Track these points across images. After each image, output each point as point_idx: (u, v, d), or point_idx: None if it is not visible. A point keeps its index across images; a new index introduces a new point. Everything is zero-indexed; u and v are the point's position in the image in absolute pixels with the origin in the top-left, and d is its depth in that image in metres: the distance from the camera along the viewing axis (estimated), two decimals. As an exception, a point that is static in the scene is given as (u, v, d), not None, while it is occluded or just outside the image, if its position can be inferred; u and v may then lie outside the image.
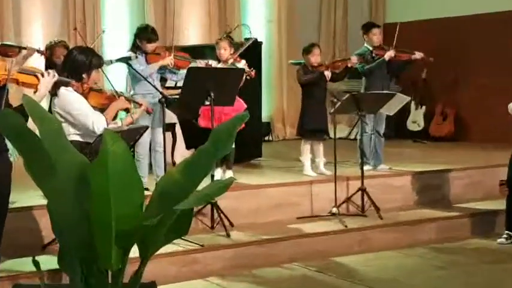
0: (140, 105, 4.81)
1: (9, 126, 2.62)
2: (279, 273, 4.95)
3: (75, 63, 4.43)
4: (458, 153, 8.09)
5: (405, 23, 6.79)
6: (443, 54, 8.90)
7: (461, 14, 9.22)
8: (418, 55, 6.76)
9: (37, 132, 2.81)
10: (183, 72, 5.88)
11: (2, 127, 2.68)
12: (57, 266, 2.94)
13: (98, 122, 4.33)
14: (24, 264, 4.27)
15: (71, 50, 4.98)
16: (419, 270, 5.03)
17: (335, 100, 5.96)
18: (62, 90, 4.37)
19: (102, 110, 4.55)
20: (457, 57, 9.25)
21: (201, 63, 6.01)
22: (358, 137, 6.73)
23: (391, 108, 6.22)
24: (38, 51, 5.37)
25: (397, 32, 6.68)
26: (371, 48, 6.77)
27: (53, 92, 4.35)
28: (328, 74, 6.29)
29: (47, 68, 5.39)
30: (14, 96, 3.95)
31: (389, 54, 6.60)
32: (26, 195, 4.77)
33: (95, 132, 4.31)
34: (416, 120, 9.53)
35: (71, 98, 4.38)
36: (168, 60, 5.76)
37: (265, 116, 9.11)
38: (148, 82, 5.51)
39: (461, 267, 5.08)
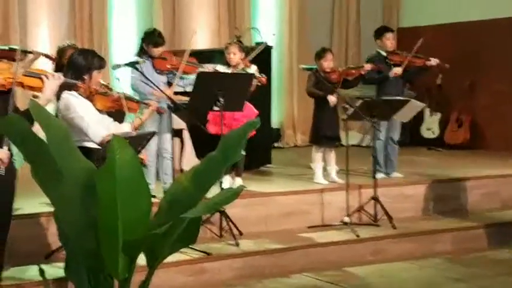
0: (149, 105, 4.84)
1: (15, 131, 2.64)
2: (289, 284, 4.94)
3: (75, 64, 4.48)
4: (474, 161, 8.05)
5: (420, 27, 6.77)
6: (458, 59, 8.87)
7: (477, 19, 9.18)
8: (433, 61, 6.71)
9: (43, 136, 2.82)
10: (190, 77, 5.90)
11: (7, 132, 2.70)
12: (63, 275, 2.95)
13: (93, 130, 4.34)
14: (30, 272, 4.29)
15: (73, 52, 5.02)
16: (435, 282, 5.00)
17: (347, 106, 5.95)
18: (64, 94, 4.41)
19: (109, 113, 4.59)
20: (473, 62, 9.21)
21: (208, 68, 6.01)
22: (371, 144, 6.71)
23: (405, 115, 6.21)
24: (45, 55, 5.39)
25: (419, 44, 6.63)
26: (384, 53, 6.77)
27: (58, 96, 4.38)
28: (332, 99, 6.25)
29: (57, 71, 5.42)
30: (21, 100, 3.98)
31: (395, 71, 6.58)
32: (33, 202, 4.79)
33: (89, 136, 4.33)
34: (431, 127, 9.51)
35: (71, 102, 4.40)
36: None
37: (275, 122, 9.12)
38: (156, 87, 5.51)
39: (478, 279, 5.04)
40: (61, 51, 5.80)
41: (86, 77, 4.44)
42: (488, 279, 5.05)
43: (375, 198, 5.86)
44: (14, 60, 3.86)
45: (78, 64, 4.46)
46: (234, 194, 2.79)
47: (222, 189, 5.11)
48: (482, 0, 9.22)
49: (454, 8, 9.49)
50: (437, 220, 6.17)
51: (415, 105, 6.15)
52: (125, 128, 4.65)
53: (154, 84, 5.43)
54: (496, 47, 9.06)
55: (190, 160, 7.09)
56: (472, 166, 7.56)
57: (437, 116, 9.50)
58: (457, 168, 7.33)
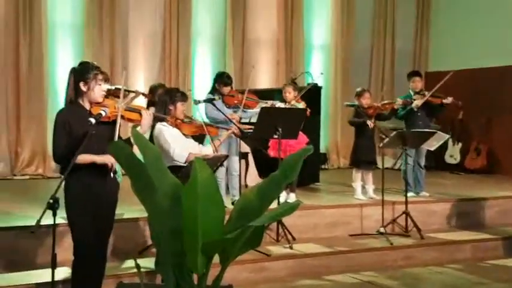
0: (228, 129, 4.91)
1: (121, 154, 2.70)
2: (333, 281, 4.87)
3: (161, 100, 4.65)
4: (490, 184, 7.79)
5: (444, 72, 6.66)
6: (476, 98, 8.68)
7: (491, 66, 8.99)
8: (448, 100, 6.65)
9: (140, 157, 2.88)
10: (252, 110, 5.93)
11: (115, 154, 2.77)
12: (153, 268, 2.98)
13: (177, 152, 4.41)
14: (126, 265, 4.37)
15: (161, 91, 5.14)
16: (457, 284, 4.84)
17: (383, 136, 5.87)
18: (158, 125, 4.51)
19: (193, 136, 4.68)
20: (489, 101, 8.99)
21: (266, 103, 6.03)
22: (402, 168, 6.60)
23: (432, 144, 6.08)
24: (143, 94, 5.54)
25: (440, 84, 6.54)
26: (412, 93, 6.74)
27: (152, 126, 4.48)
28: (371, 123, 6.21)
29: (149, 105, 5.57)
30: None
31: (415, 104, 6.54)
32: (131, 209, 4.86)
33: (173, 158, 4.40)
34: (453, 154, 9.27)
35: (162, 131, 4.51)
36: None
37: (322, 148, 9.06)
38: (228, 118, 5.55)
39: (494, 283, 4.86)
40: (153, 89, 5.95)
41: (171, 107, 4.54)
42: (503, 283, 4.85)
43: (406, 213, 5.73)
44: (118, 97, 3.96)
45: (163, 100, 4.61)
46: (292, 208, 2.75)
47: (279, 202, 5.11)
48: (495, 51, 9.00)
49: (473, 57, 9.30)
50: (459, 232, 5.98)
51: (440, 136, 6.01)
52: (208, 149, 4.71)
53: (226, 116, 5.50)
54: (509, 88, 8.80)
55: (253, 177, 7.13)
56: (488, 188, 7.32)
57: (459, 145, 9.26)
58: (476, 190, 7.13)
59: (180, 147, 4.49)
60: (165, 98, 4.60)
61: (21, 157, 7.82)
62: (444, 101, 6.65)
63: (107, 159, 3.42)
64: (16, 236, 4.42)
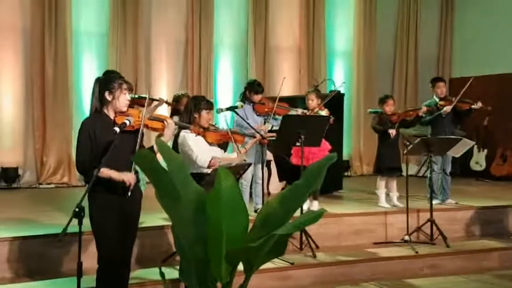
0: (254, 137, 4.90)
1: (146, 163, 2.72)
2: (357, 290, 4.82)
3: (187, 107, 4.62)
4: (517, 191, 7.64)
5: (468, 78, 6.56)
6: (502, 104, 8.54)
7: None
8: (478, 105, 6.53)
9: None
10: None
11: (139, 163, 2.79)
12: (177, 276, 2.98)
13: (200, 158, 4.42)
14: (150, 273, 4.37)
15: (187, 99, 5.16)
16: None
17: (408, 143, 5.81)
18: (182, 132, 4.53)
19: (219, 144, 4.68)
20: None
21: (297, 111, 6.00)
22: (427, 175, 6.51)
23: (457, 151, 5.98)
24: (166, 102, 5.58)
25: (465, 88, 6.44)
26: (436, 99, 6.63)
27: (176, 134, 4.50)
28: (392, 132, 6.14)
29: (172, 114, 5.59)
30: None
31: (445, 109, 6.42)
32: (154, 217, 4.90)
33: (197, 163, 4.41)
34: (478, 161, 9.13)
35: (185, 138, 4.52)
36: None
37: (345, 155, 9.02)
38: (251, 127, 5.54)
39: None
40: (176, 99, 5.99)
41: (195, 115, 4.55)
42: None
43: (432, 221, 5.65)
44: (142, 106, 3.98)
45: (189, 107, 4.61)
46: (317, 216, 2.74)
47: (301, 209, 5.08)
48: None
49: (497, 62, 9.17)
50: (485, 241, 5.87)
51: (466, 143, 5.92)
52: (232, 156, 4.70)
53: (249, 124, 5.49)
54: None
55: (276, 185, 7.11)
56: (515, 195, 7.18)
57: (484, 152, 9.12)
58: (502, 197, 6.98)
59: (203, 154, 4.50)
60: (190, 106, 4.62)
61: (47, 166, 7.94)
62: (473, 106, 6.52)
63: (126, 177, 3.39)
64: (42, 244, 4.47)
